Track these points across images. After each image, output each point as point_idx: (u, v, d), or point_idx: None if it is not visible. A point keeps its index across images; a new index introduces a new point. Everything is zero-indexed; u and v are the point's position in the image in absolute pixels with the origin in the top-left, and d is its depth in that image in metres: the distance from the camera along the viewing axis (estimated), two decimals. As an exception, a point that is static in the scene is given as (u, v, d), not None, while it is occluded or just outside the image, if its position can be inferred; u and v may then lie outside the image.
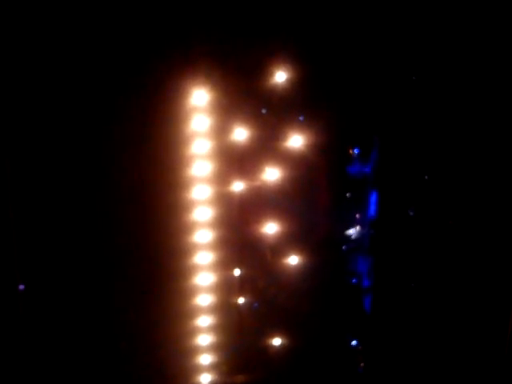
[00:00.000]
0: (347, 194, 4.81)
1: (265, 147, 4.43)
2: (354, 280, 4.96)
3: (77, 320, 4.49)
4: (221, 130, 4.37)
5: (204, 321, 4.89)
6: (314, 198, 4.65)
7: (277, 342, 4.88)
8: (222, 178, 4.50)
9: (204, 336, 4.93)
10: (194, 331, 4.90)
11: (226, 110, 4.31)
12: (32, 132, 4.08)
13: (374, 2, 4.19)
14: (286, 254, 4.73)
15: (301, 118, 4.44)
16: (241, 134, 4.38)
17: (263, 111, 4.39)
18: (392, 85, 4.47)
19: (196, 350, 4.94)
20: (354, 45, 4.33)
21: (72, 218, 4.33)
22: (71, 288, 4.45)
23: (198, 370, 4.98)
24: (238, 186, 4.52)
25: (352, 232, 4.86)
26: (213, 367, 4.99)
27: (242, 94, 4.26)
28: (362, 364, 5.03)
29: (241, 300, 4.85)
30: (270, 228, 4.62)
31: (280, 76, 4.25)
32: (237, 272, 4.80)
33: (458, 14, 4.07)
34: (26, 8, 3.75)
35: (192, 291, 4.79)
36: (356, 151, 4.70)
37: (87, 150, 4.22)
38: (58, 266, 4.38)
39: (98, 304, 4.52)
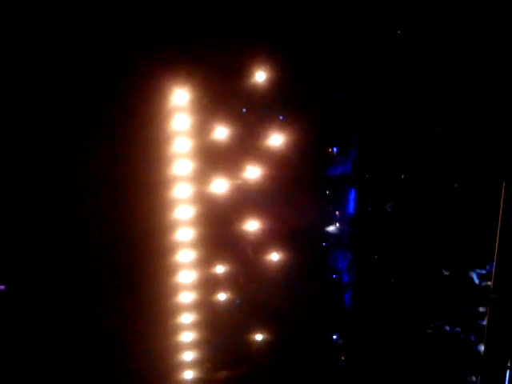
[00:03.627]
0: (327, 192, 4.88)
1: (245, 146, 4.48)
2: (334, 276, 5.03)
3: (58, 320, 4.50)
4: (202, 129, 4.42)
5: (187, 318, 4.93)
6: (294, 196, 4.71)
7: (259, 337, 4.95)
8: (203, 176, 4.55)
9: (187, 333, 4.97)
10: (177, 329, 4.94)
11: (207, 110, 4.36)
12: (16, 132, 4.11)
13: (353, 5, 4.26)
14: (266, 251, 4.80)
15: (281, 118, 4.51)
16: (221, 133, 4.43)
17: (243, 110, 4.45)
18: (371, 85, 4.55)
19: (179, 347, 4.98)
20: (334, 45, 4.40)
21: (51, 219, 4.34)
22: (52, 289, 4.46)
23: (182, 366, 5.02)
24: (218, 185, 4.57)
25: (332, 229, 4.94)
26: (196, 364, 5.04)
27: (223, 94, 4.32)
28: (342, 358, 5.10)
29: (223, 297, 4.90)
30: (251, 226, 4.69)
31: (260, 76, 4.31)
32: (219, 269, 4.85)
33: (433, 25, 4.19)
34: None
35: (174, 289, 4.83)
36: (335, 150, 4.78)
37: (67, 150, 4.24)
38: (38, 268, 4.40)
39: (78, 303, 4.53)
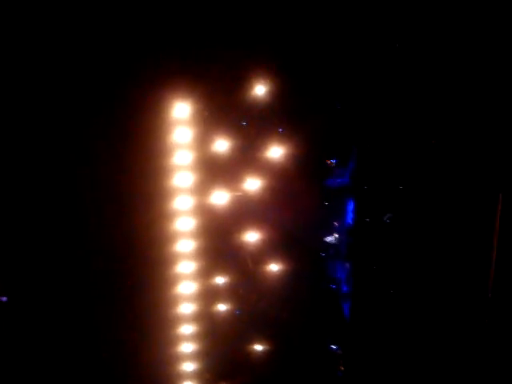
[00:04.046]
0: (325, 203, 4.93)
1: (245, 158, 4.53)
2: (333, 286, 5.07)
3: (59, 330, 4.53)
4: (202, 142, 4.47)
5: (186, 329, 4.96)
6: (294, 207, 4.75)
7: (259, 347, 4.97)
8: (203, 188, 4.59)
9: (186, 344, 4.99)
10: (177, 339, 4.96)
11: (208, 122, 4.41)
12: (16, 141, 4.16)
13: (352, 18, 4.32)
14: (266, 262, 4.83)
15: (280, 130, 4.56)
16: (222, 145, 4.48)
17: (243, 123, 4.50)
18: (369, 98, 4.60)
19: (178, 358, 5.00)
20: (332, 59, 4.45)
21: (50, 227, 4.38)
22: (50, 298, 4.48)
23: (181, 377, 5.04)
24: (219, 196, 4.61)
25: (330, 239, 4.98)
26: (195, 374, 5.06)
27: (223, 107, 4.37)
28: (341, 368, 5.13)
29: (223, 307, 4.92)
30: (251, 236, 4.72)
31: (260, 89, 4.36)
32: (218, 280, 4.88)
33: (432, 39, 4.27)
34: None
35: (174, 300, 4.86)
36: (334, 161, 4.83)
37: (67, 160, 4.28)
38: (36, 275, 4.43)
39: (76, 314, 4.55)
